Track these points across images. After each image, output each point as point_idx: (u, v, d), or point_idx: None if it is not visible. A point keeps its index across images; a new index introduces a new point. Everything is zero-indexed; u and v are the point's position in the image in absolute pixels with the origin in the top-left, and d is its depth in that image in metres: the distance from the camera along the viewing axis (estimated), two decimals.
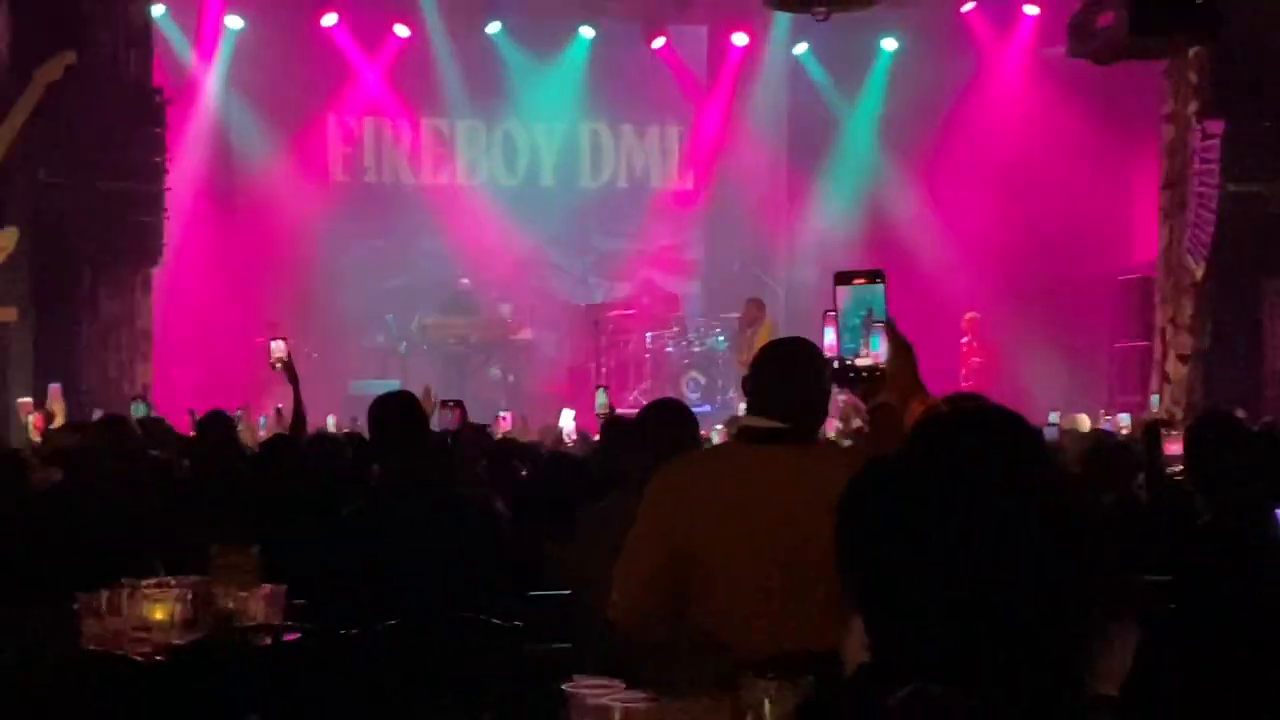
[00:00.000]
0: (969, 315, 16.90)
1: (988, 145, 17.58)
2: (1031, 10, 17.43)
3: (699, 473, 3.71)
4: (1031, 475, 2.83)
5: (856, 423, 10.02)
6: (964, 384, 16.50)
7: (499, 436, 9.20)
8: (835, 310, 3.34)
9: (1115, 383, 16.06)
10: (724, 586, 3.48)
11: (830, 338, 3.44)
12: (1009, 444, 2.85)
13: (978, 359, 16.66)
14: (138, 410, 9.81)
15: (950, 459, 2.88)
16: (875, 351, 3.30)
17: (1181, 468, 6.14)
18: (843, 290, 3.31)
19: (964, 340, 16.91)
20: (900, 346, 3.34)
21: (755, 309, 16.16)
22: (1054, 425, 10.10)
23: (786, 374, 3.66)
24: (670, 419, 5.03)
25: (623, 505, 4.59)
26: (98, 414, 10.14)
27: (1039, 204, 17.26)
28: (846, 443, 8.20)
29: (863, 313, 3.31)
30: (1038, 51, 17.19)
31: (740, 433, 3.83)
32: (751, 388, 3.79)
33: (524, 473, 6.80)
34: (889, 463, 3.00)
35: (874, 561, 2.72)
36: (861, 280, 3.29)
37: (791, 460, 3.55)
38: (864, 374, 3.35)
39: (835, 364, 3.38)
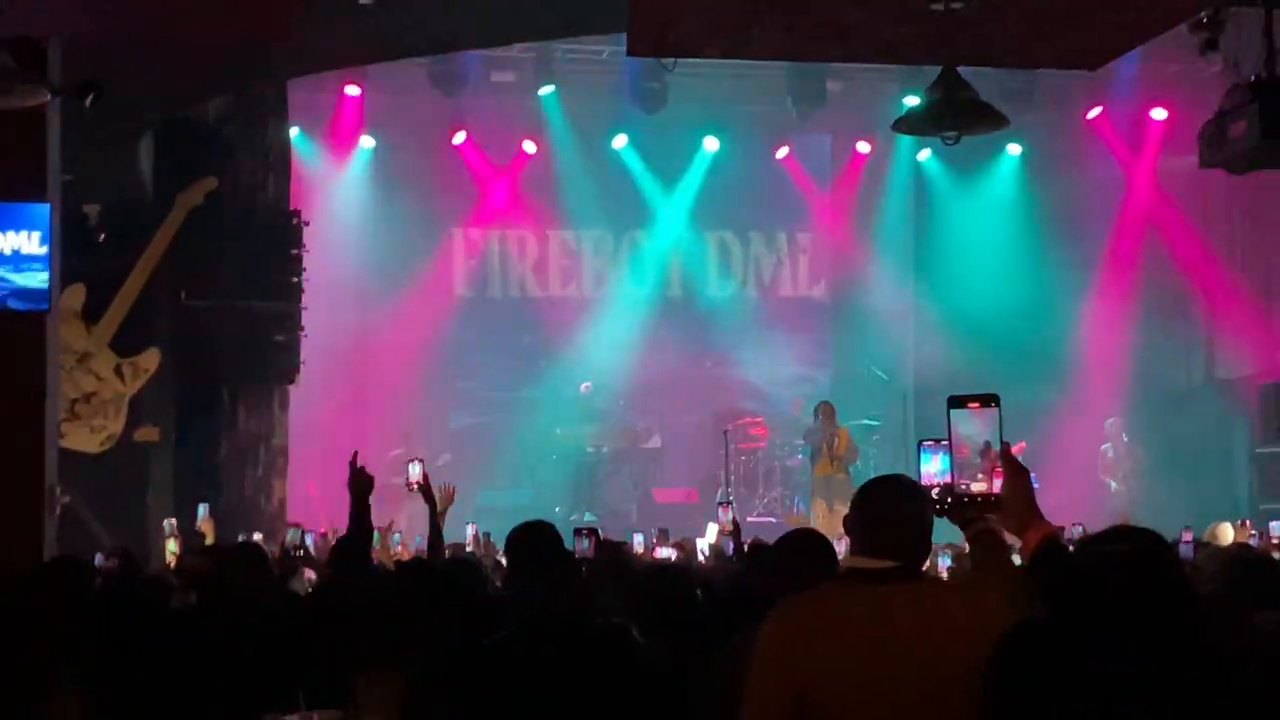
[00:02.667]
0: (1110, 421, 16.70)
1: (1121, 250, 17.40)
2: (1159, 115, 17.27)
3: (811, 618, 3.61)
4: (1181, 628, 2.77)
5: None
6: (1117, 488, 16.28)
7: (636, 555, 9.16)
8: (948, 437, 3.32)
9: (1259, 489, 15.66)
10: None
11: (931, 465, 3.42)
12: (1157, 599, 2.78)
13: (1128, 465, 16.46)
14: (294, 537, 10.09)
15: (1098, 623, 2.83)
16: (988, 479, 3.28)
17: None
18: (957, 414, 3.29)
19: (1104, 446, 16.71)
20: (1016, 473, 3.30)
21: (829, 412, 15.95)
22: (1188, 544, 9.77)
23: (892, 512, 3.60)
24: (806, 552, 4.99)
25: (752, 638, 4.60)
26: (242, 536, 10.39)
27: (1177, 308, 17.01)
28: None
29: (979, 439, 3.29)
30: (1169, 159, 16.98)
31: (848, 574, 3.79)
32: (855, 526, 3.71)
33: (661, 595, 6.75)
34: (1037, 629, 2.96)
35: None
36: (976, 405, 3.27)
37: (902, 599, 3.50)
38: (979, 501, 3.33)
39: (947, 493, 3.36)
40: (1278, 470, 15.22)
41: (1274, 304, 16.02)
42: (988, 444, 3.27)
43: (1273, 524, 11.56)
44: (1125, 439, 16.72)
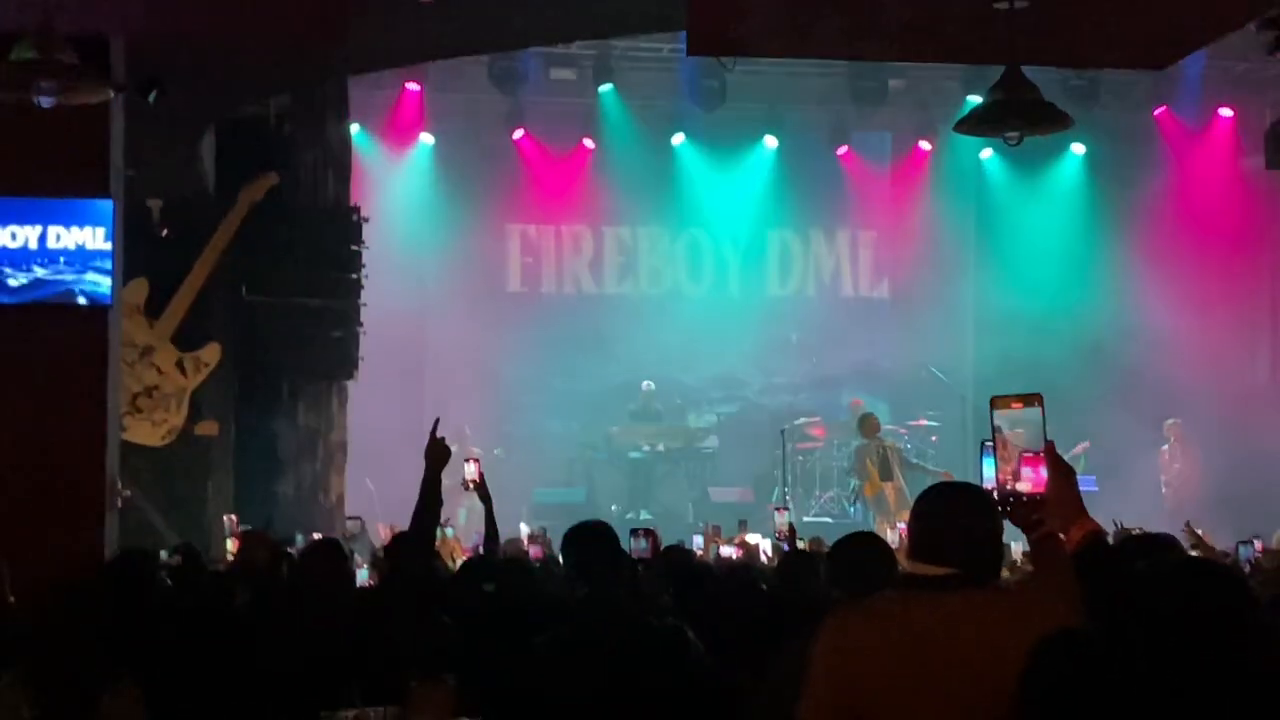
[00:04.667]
0: (1170, 422, 16.53)
1: (1185, 249, 17.19)
2: (1226, 113, 17.07)
3: (865, 630, 3.55)
4: (1230, 656, 2.68)
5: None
6: (1166, 491, 16.12)
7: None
8: (993, 438, 3.30)
9: None
10: None
11: (990, 469, 3.39)
12: (1204, 619, 2.71)
13: (1179, 466, 16.28)
14: (353, 527, 10.16)
15: (1140, 641, 2.76)
16: (1033, 478, 3.25)
17: None
18: (1000, 415, 3.27)
19: (1163, 448, 16.55)
20: (1060, 471, 3.27)
21: (870, 428, 15.70)
22: (1249, 543, 9.62)
23: (951, 518, 3.51)
24: (865, 556, 4.95)
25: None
26: (300, 532, 10.44)
27: (1242, 308, 16.82)
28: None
29: (1022, 439, 3.27)
30: (1236, 158, 16.79)
31: (905, 580, 3.72)
32: (914, 531, 3.64)
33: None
34: (1076, 637, 2.90)
35: None
36: (1019, 404, 3.25)
37: (961, 608, 3.43)
38: (1024, 500, 3.30)
39: (1006, 495, 3.34)
40: None
41: None
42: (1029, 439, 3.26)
43: None
44: (1175, 440, 16.54)
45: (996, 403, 3.28)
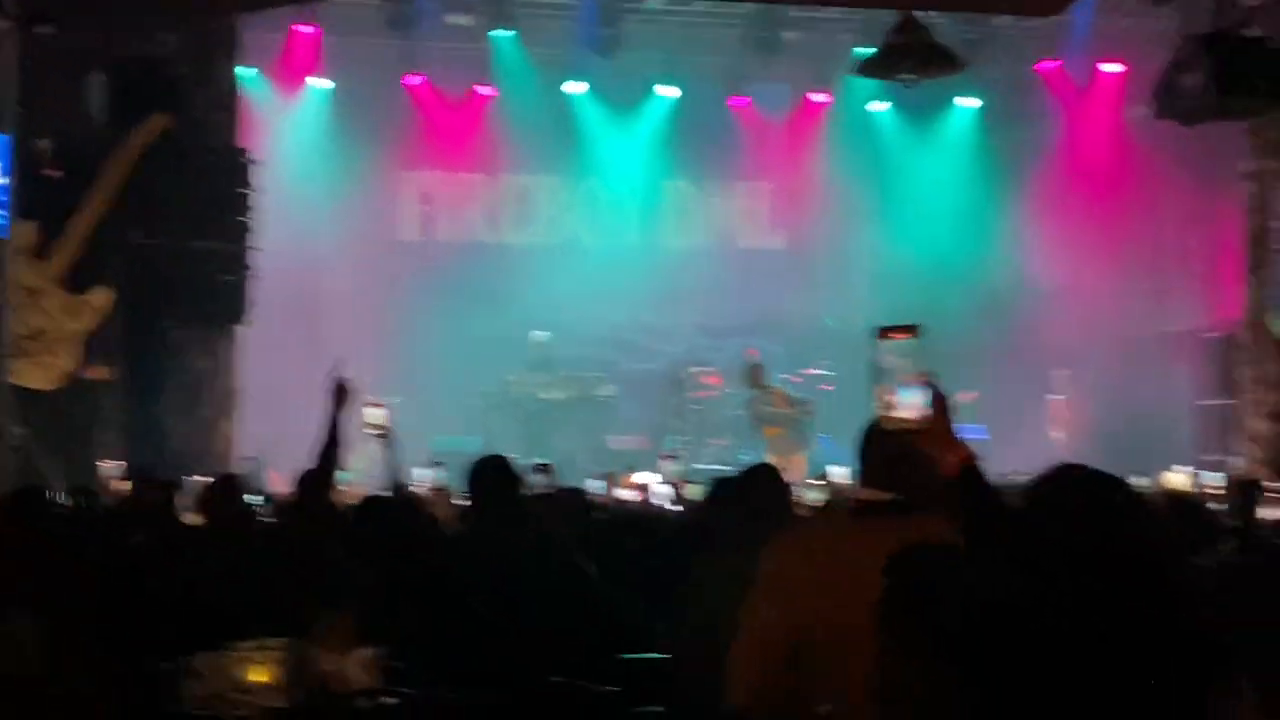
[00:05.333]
0: (1060, 372, 16.88)
1: (1070, 202, 17.52)
2: (1112, 68, 17.38)
3: (810, 548, 3.70)
4: (1160, 609, 2.76)
5: None
6: (1055, 436, 16.49)
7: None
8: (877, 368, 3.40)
9: (1198, 440, 15.86)
10: (842, 663, 3.47)
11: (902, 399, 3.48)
12: (1137, 567, 2.79)
13: (1069, 414, 16.65)
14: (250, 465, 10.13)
15: (1065, 580, 2.85)
16: (909, 404, 3.35)
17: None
18: (884, 345, 3.38)
19: (1052, 398, 16.90)
20: (935, 400, 3.38)
21: (757, 376, 15.86)
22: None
23: (900, 448, 3.63)
24: (765, 486, 5.09)
25: (715, 568, 4.69)
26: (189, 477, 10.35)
27: (1122, 261, 17.17)
28: None
29: (903, 368, 3.38)
30: (1122, 112, 17.11)
31: (852, 507, 3.84)
32: (866, 460, 3.77)
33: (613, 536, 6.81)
34: (939, 550, 2.99)
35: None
36: (900, 334, 3.37)
37: (895, 531, 3.53)
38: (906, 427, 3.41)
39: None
40: (1216, 423, 15.43)
41: (1221, 258, 16.17)
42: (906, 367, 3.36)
43: (1205, 474, 11.80)
44: (1070, 392, 16.91)
45: (879, 333, 3.39)
